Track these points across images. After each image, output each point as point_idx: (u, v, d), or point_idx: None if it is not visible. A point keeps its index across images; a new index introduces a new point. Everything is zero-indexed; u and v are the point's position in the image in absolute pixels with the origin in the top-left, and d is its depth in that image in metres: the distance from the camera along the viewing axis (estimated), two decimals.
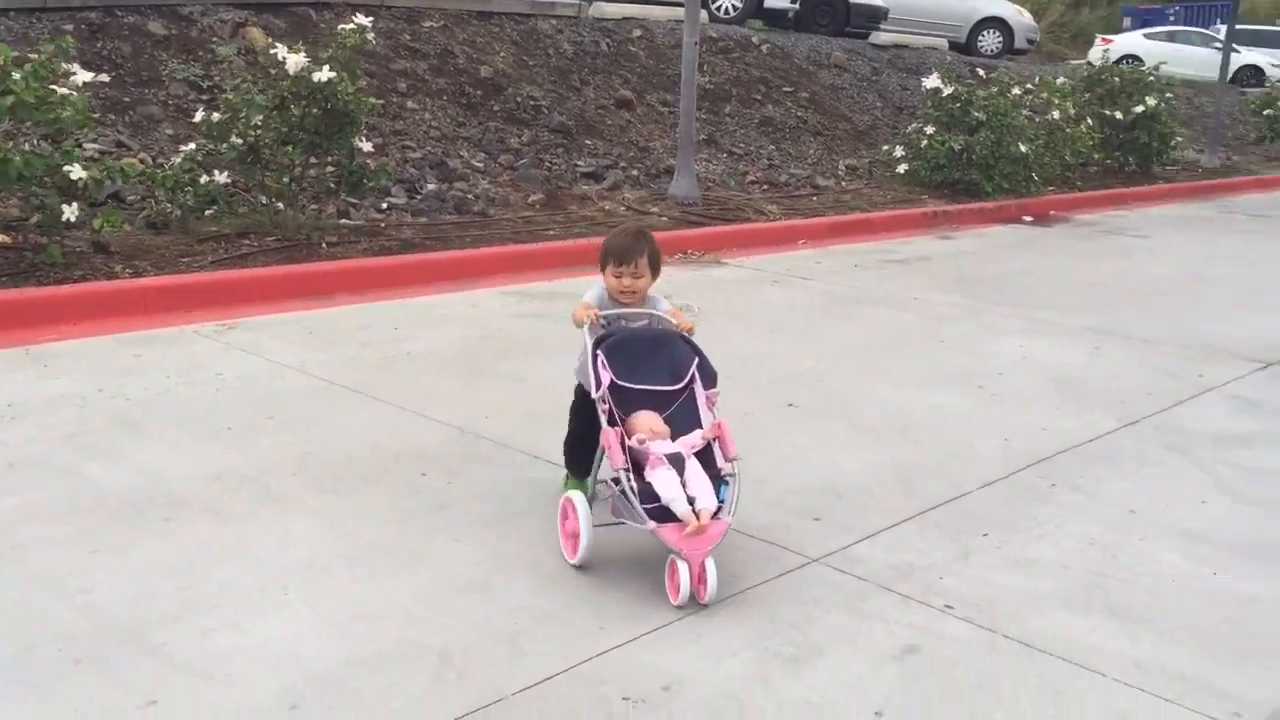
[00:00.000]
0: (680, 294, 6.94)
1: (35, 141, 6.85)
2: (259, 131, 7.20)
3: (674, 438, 3.45)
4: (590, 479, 3.70)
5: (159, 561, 3.38)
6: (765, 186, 11.47)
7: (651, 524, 3.20)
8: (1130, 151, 14.90)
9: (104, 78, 8.33)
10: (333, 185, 7.71)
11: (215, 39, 10.17)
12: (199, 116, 7.33)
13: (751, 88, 14.28)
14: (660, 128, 12.41)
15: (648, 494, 3.25)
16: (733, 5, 17.01)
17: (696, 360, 3.59)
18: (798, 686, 2.87)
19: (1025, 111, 12.20)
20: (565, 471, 3.89)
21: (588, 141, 11.40)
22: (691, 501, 3.22)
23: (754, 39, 15.59)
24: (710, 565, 3.20)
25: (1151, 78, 14.99)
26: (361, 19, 7.48)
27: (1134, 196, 13.68)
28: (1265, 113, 18.88)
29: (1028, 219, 11.56)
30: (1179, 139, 16.00)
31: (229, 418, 4.59)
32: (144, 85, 9.28)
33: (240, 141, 7.22)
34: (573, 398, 3.80)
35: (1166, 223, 11.98)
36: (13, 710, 2.65)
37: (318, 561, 3.42)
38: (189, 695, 2.72)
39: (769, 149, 12.97)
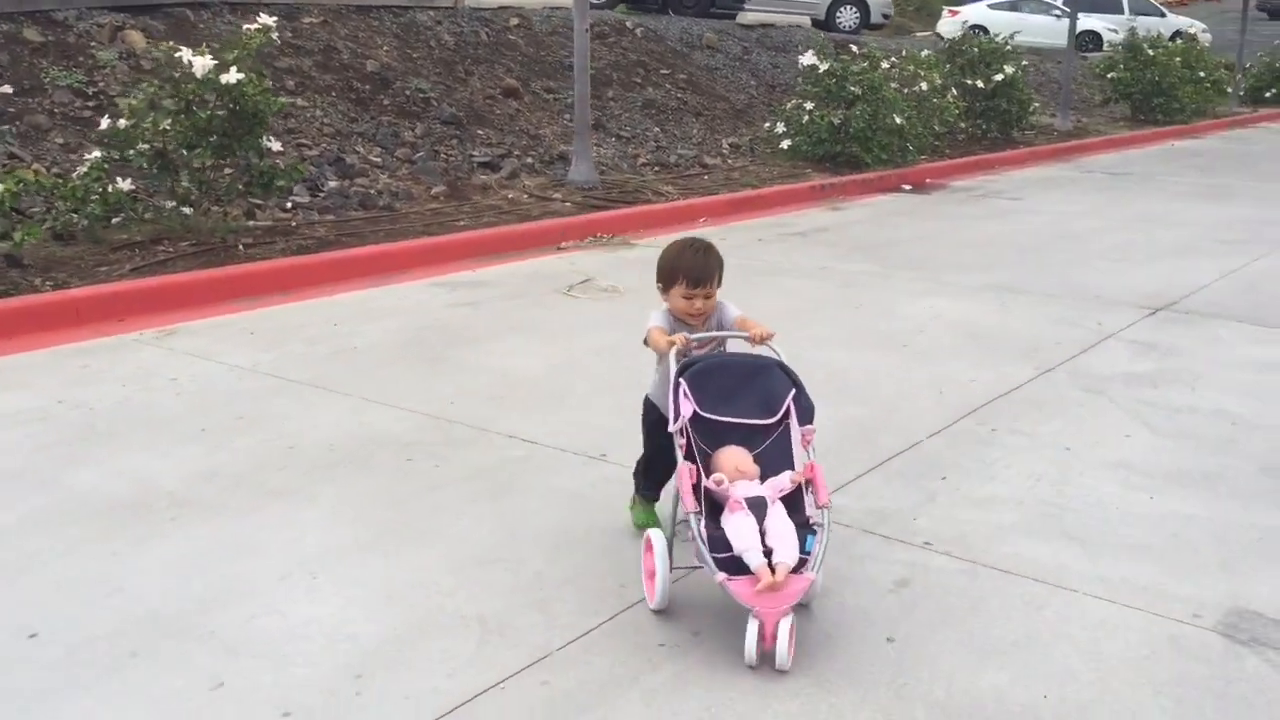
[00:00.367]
0: (601, 276, 7.17)
1: None
2: (166, 135, 7.14)
3: (763, 478, 3.16)
4: (671, 520, 3.40)
5: (179, 557, 3.47)
6: (657, 168, 11.73)
7: (721, 575, 2.88)
8: (992, 119, 15.58)
9: None
10: (241, 187, 7.69)
11: (94, 43, 9.96)
12: (105, 124, 7.23)
13: (631, 71, 14.53)
14: (548, 115, 12.56)
15: (719, 542, 2.95)
16: None
17: (793, 392, 3.28)
18: (810, 624, 3.13)
19: (893, 84, 12.69)
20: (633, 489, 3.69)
21: (480, 131, 11.49)
22: (769, 554, 2.91)
23: (627, 23, 15.83)
24: (784, 627, 2.84)
25: (1009, 47, 15.70)
26: (266, 18, 7.50)
27: (1000, 161, 14.35)
28: (1109, 75, 19.91)
29: (907, 187, 12.06)
30: (1036, 105, 16.82)
31: (199, 420, 4.64)
32: (27, 94, 9.05)
33: (147, 147, 7.16)
34: (642, 414, 3.55)
35: (1034, 184, 12.63)
36: (78, 703, 2.73)
37: (333, 547, 3.55)
38: (253, 675, 2.85)
39: (654, 131, 13.23)
